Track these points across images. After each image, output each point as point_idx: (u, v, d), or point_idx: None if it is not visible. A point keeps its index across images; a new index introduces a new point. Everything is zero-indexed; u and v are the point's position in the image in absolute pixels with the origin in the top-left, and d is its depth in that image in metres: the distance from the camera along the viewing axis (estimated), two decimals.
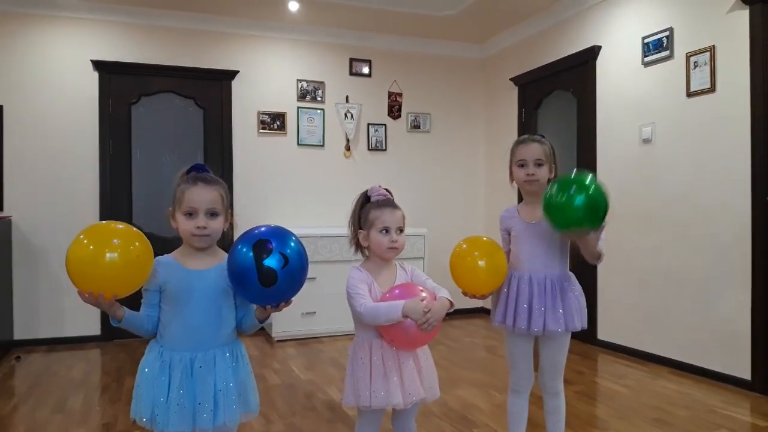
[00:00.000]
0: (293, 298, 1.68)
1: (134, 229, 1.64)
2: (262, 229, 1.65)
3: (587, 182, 1.96)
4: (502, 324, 2.25)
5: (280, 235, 1.64)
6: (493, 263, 2.13)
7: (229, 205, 1.82)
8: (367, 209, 2.01)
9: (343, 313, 1.99)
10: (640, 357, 4.20)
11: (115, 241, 1.56)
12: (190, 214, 1.71)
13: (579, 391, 3.51)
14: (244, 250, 1.58)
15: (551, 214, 2.01)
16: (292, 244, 1.63)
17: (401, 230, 2.00)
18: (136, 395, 1.71)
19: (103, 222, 1.67)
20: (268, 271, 1.56)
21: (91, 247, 1.54)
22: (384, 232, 1.96)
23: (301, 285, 1.66)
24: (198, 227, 1.70)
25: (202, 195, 1.72)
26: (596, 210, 1.93)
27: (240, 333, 1.83)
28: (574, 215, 1.93)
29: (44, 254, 4.76)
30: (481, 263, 2.13)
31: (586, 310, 2.25)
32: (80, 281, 1.54)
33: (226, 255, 1.80)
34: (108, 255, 1.53)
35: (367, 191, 2.06)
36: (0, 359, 4.29)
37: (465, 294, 2.19)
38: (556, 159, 2.32)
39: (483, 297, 2.20)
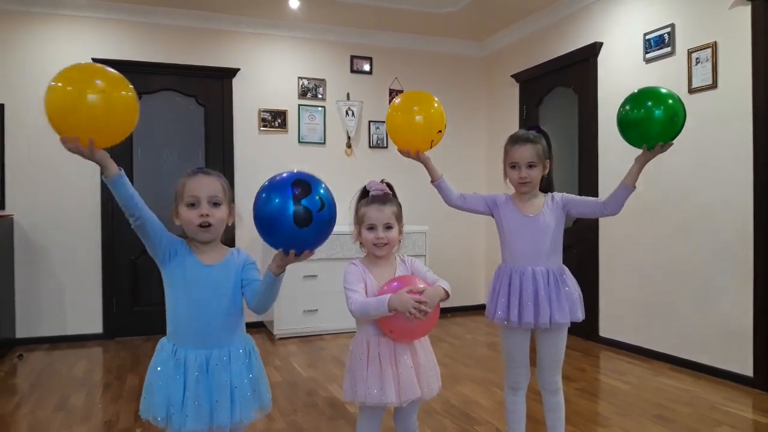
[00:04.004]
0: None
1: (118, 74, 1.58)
2: (294, 172, 1.60)
3: (664, 94, 1.96)
4: (502, 320, 2.23)
5: (317, 180, 1.59)
6: (429, 116, 2.16)
7: (232, 199, 1.80)
8: (359, 206, 2.01)
9: (344, 310, 1.99)
10: (642, 354, 4.20)
11: (98, 82, 1.50)
12: (193, 204, 1.70)
13: (581, 387, 3.51)
14: (280, 188, 1.53)
15: (629, 130, 1.99)
16: (324, 190, 1.59)
17: (390, 227, 1.96)
18: (147, 394, 1.69)
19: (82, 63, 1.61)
20: (304, 211, 1.51)
21: (69, 88, 1.48)
22: (370, 229, 1.96)
23: (328, 234, 1.60)
24: (201, 215, 1.69)
25: (204, 183, 1.71)
26: (676, 121, 1.93)
27: (256, 310, 1.75)
28: (655, 129, 1.93)
29: (46, 252, 4.76)
30: (418, 118, 2.14)
31: (582, 300, 2.26)
32: (59, 124, 1.49)
33: (230, 250, 1.79)
34: (89, 97, 1.48)
35: (365, 186, 2.04)
36: (2, 357, 4.30)
37: (402, 152, 2.22)
38: (551, 154, 2.31)
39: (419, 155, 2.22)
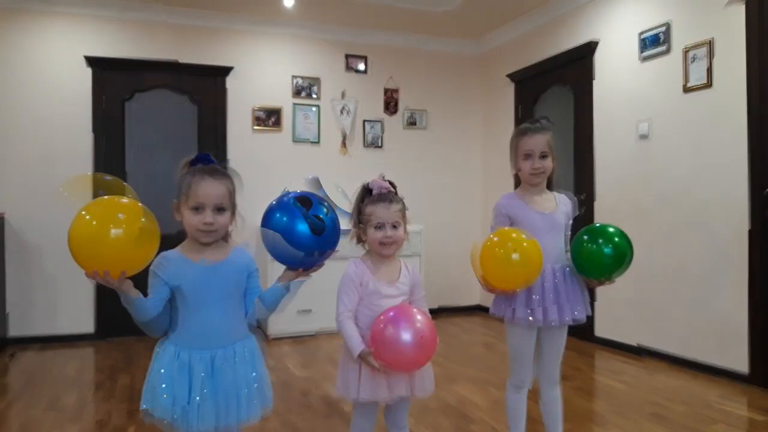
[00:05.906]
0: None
1: (139, 204, 1.59)
2: (295, 191, 1.78)
3: (615, 233, 2.12)
4: (524, 320, 2.16)
5: (315, 195, 1.76)
6: (527, 254, 1.98)
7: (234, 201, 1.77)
8: (364, 205, 1.98)
9: None
10: (638, 353, 4.19)
11: (119, 215, 1.50)
12: (197, 209, 1.66)
13: (577, 387, 3.50)
14: (289, 203, 1.69)
15: (580, 260, 2.13)
16: (327, 205, 1.74)
17: (397, 225, 1.94)
18: (150, 397, 1.65)
19: (106, 197, 1.59)
20: (315, 220, 1.64)
21: (95, 222, 1.48)
22: (378, 228, 1.94)
23: (336, 243, 1.73)
24: (205, 223, 1.66)
25: (210, 190, 1.67)
26: (622, 260, 2.10)
27: (251, 320, 1.77)
28: (604, 263, 2.09)
29: (38, 251, 4.72)
30: (514, 256, 1.96)
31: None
32: (84, 260, 1.48)
33: (233, 247, 1.77)
34: (113, 231, 1.47)
35: (368, 183, 2.01)
36: None
37: (491, 290, 2.08)
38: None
39: (513, 292, 2.10)
